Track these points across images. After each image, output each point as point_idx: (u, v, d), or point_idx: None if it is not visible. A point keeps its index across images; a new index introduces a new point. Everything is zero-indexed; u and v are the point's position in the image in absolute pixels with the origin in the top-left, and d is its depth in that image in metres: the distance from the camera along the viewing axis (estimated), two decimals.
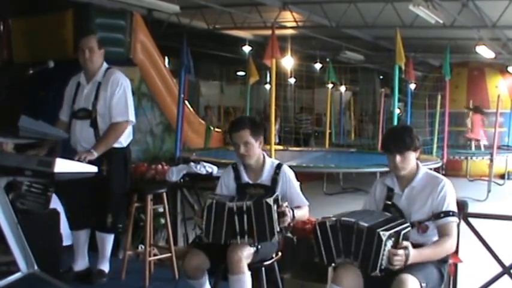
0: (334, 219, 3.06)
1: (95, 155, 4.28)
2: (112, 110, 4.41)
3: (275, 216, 3.36)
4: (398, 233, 2.94)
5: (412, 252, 2.95)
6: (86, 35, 4.62)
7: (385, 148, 3.30)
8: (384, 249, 2.87)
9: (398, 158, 3.20)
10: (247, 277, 3.42)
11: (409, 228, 3.04)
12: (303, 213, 3.67)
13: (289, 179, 3.70)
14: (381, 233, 2.87)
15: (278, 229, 3.40)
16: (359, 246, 2.95)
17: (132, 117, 4.52)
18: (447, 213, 3.15)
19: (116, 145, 4.50)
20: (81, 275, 4.60)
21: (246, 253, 3.44)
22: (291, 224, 3.55)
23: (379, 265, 2.88)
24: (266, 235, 3.39)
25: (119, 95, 4.42)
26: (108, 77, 4.46)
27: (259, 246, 3.49)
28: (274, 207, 3.36)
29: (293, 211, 3.51)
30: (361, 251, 2.94)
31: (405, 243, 2.94)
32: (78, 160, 4.11)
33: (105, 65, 4.56)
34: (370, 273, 2.92)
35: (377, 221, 3.02)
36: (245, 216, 3.40)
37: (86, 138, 4.43)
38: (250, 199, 3.45)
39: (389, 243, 2.89)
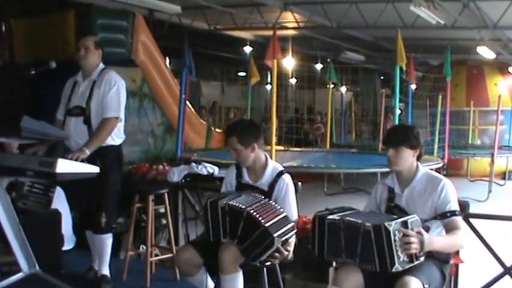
0: (337, 217, 3.06)
1: (87, 153, 4.25)
2: (104, 105, 4.42)
3: (266, 247, 3.28)
4: (405, 222, 2.93)
5: (427, 236, 2.94)
6: (84, 36, 4.71)
7: (382, 141, 3.47)
8: (395, 240, 2.85)
9: (391, 151, 3.28)
10: (238, 276, 3.43)
11: (416, 217, 3.02)
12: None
13: (286, 188, 3.70)
14: (387, 224, 2.87)
15: (264, 258, 3.34)
16: (371, 249, 2.91)
17: (122, 114, 4.51)
18: (453, 213, 3.18)
19: (110, 143, 4.48)
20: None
21: (238, 252, 3.42)
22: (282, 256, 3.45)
23: (396, 258, 2.85)
24: (251, 253, 3.35)
25: (112, 92, 4.44)
26: (103, 76, 4.49)
27: None
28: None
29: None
30: (376, 252, 2.90)
31: (416, 229, 2.93)
32: (71, 159, 4.09)
33: (101, 65, 4.59)
34: (391, 271, 2.87)
35: (381, 218, 3.03)
36: (242, 223, 3.34)
37: (80, 135, 4.43)
38: (249, 206, 3.37)
39: (398, 233, 2.87)
